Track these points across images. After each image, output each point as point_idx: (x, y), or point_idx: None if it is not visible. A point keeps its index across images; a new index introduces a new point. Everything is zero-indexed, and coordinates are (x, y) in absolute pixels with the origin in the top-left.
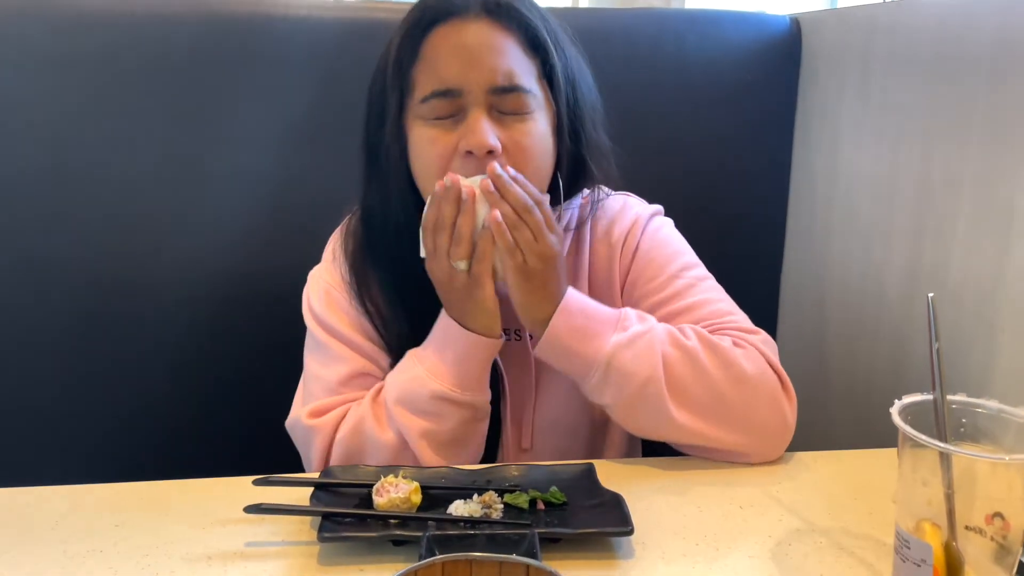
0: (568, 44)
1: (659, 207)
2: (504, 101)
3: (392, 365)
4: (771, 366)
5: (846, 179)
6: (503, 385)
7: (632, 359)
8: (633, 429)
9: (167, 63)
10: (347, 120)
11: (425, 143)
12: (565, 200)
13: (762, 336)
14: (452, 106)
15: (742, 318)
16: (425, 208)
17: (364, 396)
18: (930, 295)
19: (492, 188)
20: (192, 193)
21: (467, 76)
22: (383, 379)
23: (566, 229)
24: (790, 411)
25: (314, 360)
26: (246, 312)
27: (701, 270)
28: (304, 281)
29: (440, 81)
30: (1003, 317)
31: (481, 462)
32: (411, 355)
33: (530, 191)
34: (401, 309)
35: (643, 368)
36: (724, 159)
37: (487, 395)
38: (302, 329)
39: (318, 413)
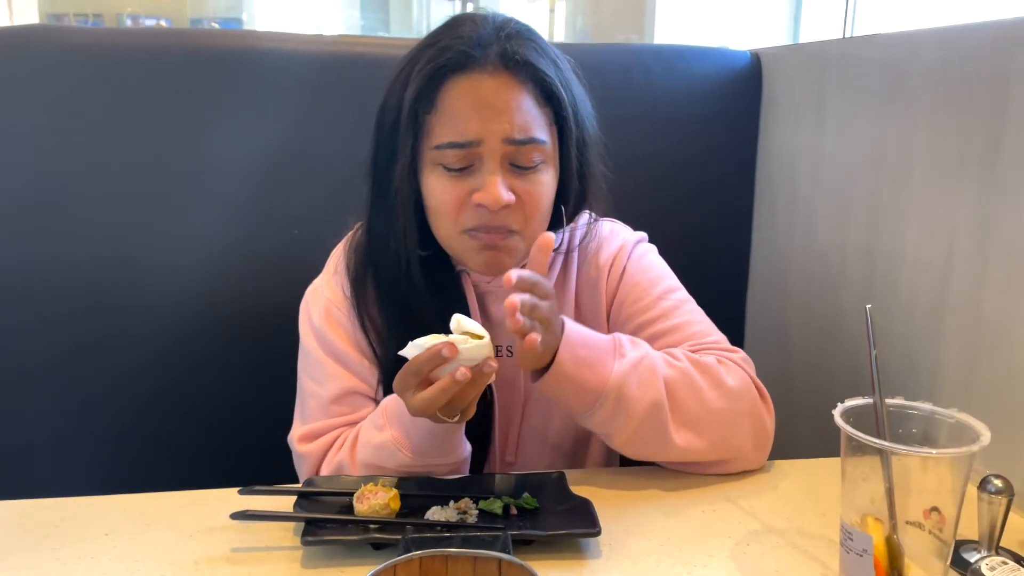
0: (575, 83)
1: (643, 234)
2: (519, 153)
3: (382, 380)
4: (752, 380)
5: (804, 202)
6: (493, 402)
7: (637, 385)
8: (631, 454)
9: (156, 94)
10: (329, 147)
11: (438, 191)
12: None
13: (741, 354)
14: (468, 157)
15: (721, 338)
16: (415, 353)
17: (352, 416)
18: (868, 306)
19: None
20: (177, 218)
21: (484, 129)
22: (373, 396)
23: (556, 251)
24: (769, 422)
25: (308, 376)
26: (229, 332)
27: (683, 293)
28: (286, 302)
29: (457, 134)
30: (947, 330)
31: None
32: (385, 411)
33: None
34: (397, 328)
35: (649, 393)
36: (690, 184)
37: (462, 454)
38: (285, 346)
39: (308, 438)
